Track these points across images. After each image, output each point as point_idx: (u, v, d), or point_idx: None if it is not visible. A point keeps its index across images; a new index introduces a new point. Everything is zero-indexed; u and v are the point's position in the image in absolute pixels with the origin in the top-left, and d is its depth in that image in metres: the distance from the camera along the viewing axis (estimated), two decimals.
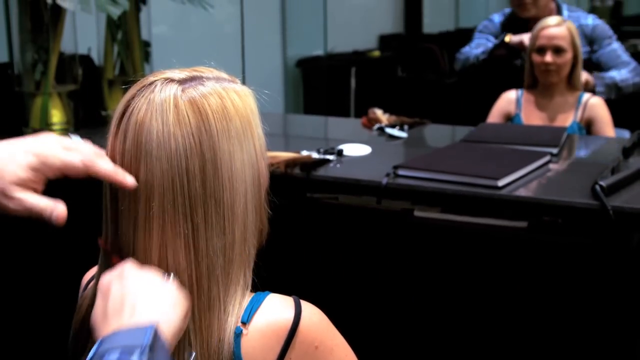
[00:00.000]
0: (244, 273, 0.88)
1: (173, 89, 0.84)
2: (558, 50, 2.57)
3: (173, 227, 0.82)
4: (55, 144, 0.83)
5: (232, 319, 0.85)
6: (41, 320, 2.23)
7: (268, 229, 0.94)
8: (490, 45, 3.07)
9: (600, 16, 5.88)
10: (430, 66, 5.54)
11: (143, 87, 0.86)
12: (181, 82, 0.86)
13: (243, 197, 0.86)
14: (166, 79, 0.86)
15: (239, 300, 0.86)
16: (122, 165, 0.84)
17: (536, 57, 2.61)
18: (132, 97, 0.85)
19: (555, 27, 2.58)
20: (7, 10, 2.41)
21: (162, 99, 0.83)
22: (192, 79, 0.87)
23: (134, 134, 0.83)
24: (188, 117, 0.83)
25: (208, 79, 0.87)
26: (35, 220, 0.83)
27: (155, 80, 0.86)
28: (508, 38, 2.88)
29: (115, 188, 0.85)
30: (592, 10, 6.09)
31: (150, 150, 0.82)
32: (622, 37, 5.68)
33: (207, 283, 0.84)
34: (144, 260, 0.83)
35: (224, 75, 0.90)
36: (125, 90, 0.88)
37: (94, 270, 0.98)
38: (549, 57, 2.57)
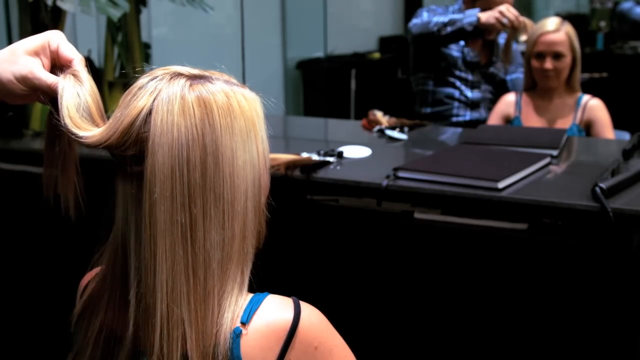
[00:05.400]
0: (241, 270, 0.88)
1: (181, 83, 0.86)
2: (557, 56, 2.58)
3: (171, 215, 0.83)
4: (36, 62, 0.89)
5: (229, 315, 0.85)
6: (36, 322, 2.23)
7: (266, 232, 0.95)
8: (456, 17, 2.78)
9: (601, 18, 5.91)
10: None
11: (151, 78, 0.87)
12: (190, 77, 0.87)
13: (244, 194, 0.87)
14: (175, 73, 0.87)
15: (236, 298, 0.87)
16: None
17: (535, 63, 2.61)
18: (140, 87, 0.86)
19: (555, 33, 2.58)
20: (7, 12, 2.41)
21: (169, 90, 0.85)
22: (201, 76, 0.88)
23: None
24: (193, 109, 0.84)
25: (217, 79, 0.89)
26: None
27: (165, 73, 0.87)
28: (484, 17, 2.74)
29: (124, 172, 0.86)
30: (592, 11, 6.09)
31: (152, 137, 0.83)
32: (622, 38, 5.71)
33: (203, 275, 0.84)
34: (148, 246, 0.84)
35: (233, 80, 0.91)
36: (125, 89, 0.89)
37: (90, 275, 0.98)
38: (548, 64, 2.57)
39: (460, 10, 2.94)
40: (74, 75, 0.89)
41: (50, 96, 0.89)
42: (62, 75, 0.89)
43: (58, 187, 0.92)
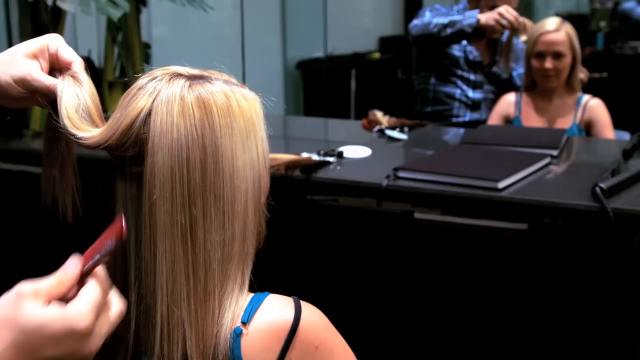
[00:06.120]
0: (242, 271, 0.88)
1: (181, 83, 0.86)
2: (557, 56, 2.57)
3: (171, 216, 0.83)
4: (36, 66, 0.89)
5: (229, 316, 0.85)
6: None
7: (266, 232, 0.95)
8: (456, 18, 2.78)
9: (601, 18, 5.91)
10: None
11: (151, 79, 0.87)
12: (190, 78, 0.87)
13: (244, 195, 0.87)
14: (175, 73, 0.87)
15: (236, 298, 0.87)
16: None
17: (535, 63, 2.61)
18: (139, 88, 0.86)
19: (555, 33, 2.58)
20: (8, 13, 2.41)
21: (169, 91, 0.85)
22: (200, 77, 0.88)
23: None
24: (193, 110, 0.84)
25: (217, 79, 0.89)
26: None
27: (164, 74, 0.87)
28: (484, 19, 2.74)
29: (124, 173, 0.86)
30: (592, 11, 6.09)
31: (152, 138, 0.83)
32: (623, 38, 5.71)
33: (204, 275, 0.84)
34: (148, 247, 0.84)
35: (233, 80, 0.91)
36: (125, 89, 0.89)
37: None
38: (548, 64, 2.57)
39: (465, 10, 2.94)
40: (73, 77, 0.89)
41: (48, 98, 0.89)
42: (60, 77, 0.89)
43: (56, 191, 0.92)
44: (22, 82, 0.88)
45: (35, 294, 0.69)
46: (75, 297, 0.70)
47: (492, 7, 2.80)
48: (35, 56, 0.90)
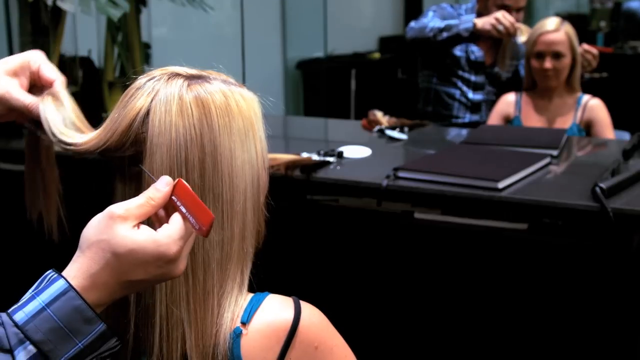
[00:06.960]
0: (241, 270, 0.88)
1: (179, 83, 0.86)
2: (557, 56, 2.57)
3: None
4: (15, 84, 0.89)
5: (228, 315, 0.85)
6: None
7: (265, 231, 0.95)
8: (452, 22, 2.79)
9: (601, 18, 5.90)
10: None
11: (149, 79, 0.87)
12: (188, 77, 0.87)
13: (242, 194, 0.87)
14: (173, 73, 0.87)
15: (236, 297, 0.87)
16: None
17: (535, 63, 2.61)
18: (137, 88, 0.86)
19: (554, 33, 2.58)
20: (8, 13, 2.41)
21: (167, 91, 0.85)
22: (199, 77, 0.88)
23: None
24: (191, 109, 0.84)
25: (215, 79, 0.89)
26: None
27: (162, 74, 0.87)
28: (480, 24, 2.75)
29: (123, 173, 0.86)
30: (592, 11, 6.09)
31: (150, 137, 0.83)
32: (626, 38, 5.70)
33: (203, 275, 0.84)
34: None
35: (231, 80, 0.91)
36: (125, 89, 0.89)
37: None
38: (548, 64, 2.57)
39: (473, 9, 2.95)
40: (53, 96, 0.89)
41: (27, 117, 0.89)
42: (40, 98, 0.89)
43: (41, 208, 0.92)
44: (0, 100, 0.88)
45: (125, 216, 0.73)
46: (165, 220, 0.75)
47: (500, 6, 2.82)
48: (15, 73, 0.90)
